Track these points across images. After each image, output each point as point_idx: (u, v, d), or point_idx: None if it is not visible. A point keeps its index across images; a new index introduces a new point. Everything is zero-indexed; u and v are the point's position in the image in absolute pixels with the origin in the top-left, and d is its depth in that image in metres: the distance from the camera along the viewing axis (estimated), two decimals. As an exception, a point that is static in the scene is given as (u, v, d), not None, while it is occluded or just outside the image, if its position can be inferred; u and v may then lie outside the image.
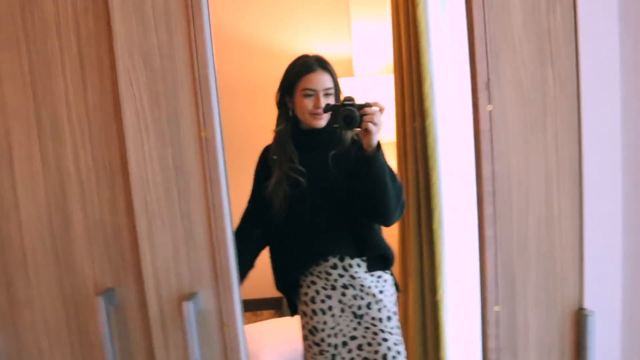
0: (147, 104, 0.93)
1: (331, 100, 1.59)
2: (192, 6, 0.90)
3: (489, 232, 0.89)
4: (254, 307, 3.22)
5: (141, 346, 1.02)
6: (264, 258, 1.85)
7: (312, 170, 1.62)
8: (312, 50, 1.72)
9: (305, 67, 1.62)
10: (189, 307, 0.92)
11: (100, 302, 0.98)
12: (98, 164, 0.99)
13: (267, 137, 1.77)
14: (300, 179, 1.60)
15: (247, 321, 3.02)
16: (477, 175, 0.88)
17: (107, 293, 1.00)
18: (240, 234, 1.70)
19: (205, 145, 0.92)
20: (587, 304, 0.92)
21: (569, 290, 0.92)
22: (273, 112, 1.81)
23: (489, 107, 0.86)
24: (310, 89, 1.59)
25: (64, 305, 1.04)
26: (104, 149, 0.98)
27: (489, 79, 0.86)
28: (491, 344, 0.93)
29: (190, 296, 0.95)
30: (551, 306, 0.93)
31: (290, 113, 1.66)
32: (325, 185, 1.62)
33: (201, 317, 0.97)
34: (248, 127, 2.60)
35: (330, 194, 1.63)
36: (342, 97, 1.60)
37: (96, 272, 1.02)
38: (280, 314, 3.21)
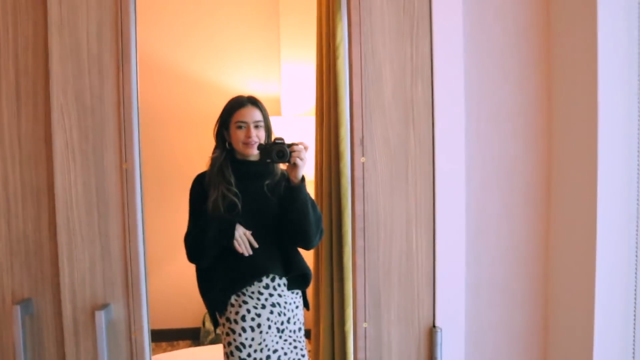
0: (76, 135, 1.05)
1: (261, 132, 1.79)
2: (122, 56, 1.04)
3: (359, 261, 1.07)
4: (171, 337, 3.23)
5: (53, 353, 1.11)
6: (182, 288, 1.96)
7: (247, 197, 1.79)
8: (243, 86, 1.92)
9: (237, 103, 1.83)
10: (100, 316, 1.03)
11: (17, 311, 1.06)
12: (26, 185, 1.08)
13: (194, 163, 1.92)
14: (237, 201, 1.76)
15: (163, 351, 3.03)
16: (352, 214, 1.06)
17: (25, 302, 1.08)
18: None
19: (125, 176, 1.05)
20: (438, 322, 1.11)
21: (424, 311, 1.11)
22: (204, 142, 1.97)
23: (363, 159, 1.05)
24: (242, 122, 1.79)
25: (-20, 315, 1.11)
26: (33, 171, 1.08)
27: (363, 135, 1.05)
28: (360, 355, 1.10)
29: (103, 306, 1.06)
30: (410, 323, 1.11)
31: (227, 145, 1.85)
32: (259, 211, 1.80)
33: (111, 326, 1.07)
34: (178, 154, 2.71)
35: (263, 219, 1.81)
36: (272, 133, 1.81)
37: (15, 283, 1.10)
38: (196, 344, 3.25)
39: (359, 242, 1.06)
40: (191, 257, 1.78)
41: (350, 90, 1.06)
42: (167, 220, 2.16)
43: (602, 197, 1.01)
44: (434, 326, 1.11)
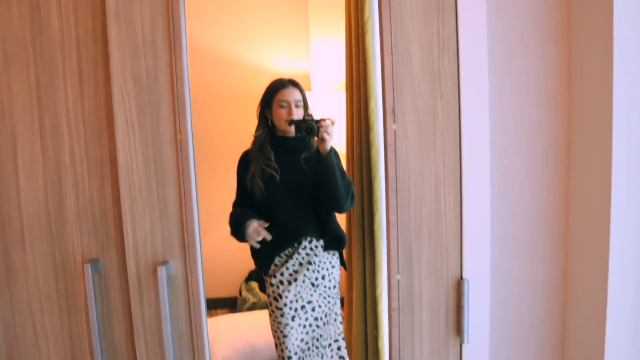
0: (134, 112, 1.17)
1: (301, 111, 1.94)
2: (174, 40, 1.15)
3: (392, 219, 1.17)
4: (210, 306, 3.41)
5: (119, 305, 1.25)
6: (219, 260, 2.13)
7: (285, 169, 1.97)
8: (273, 64, 2.06)
9: (280, 84, 2.01)
10: (162, 271, 1.16)
11: (88, 269, 1.20)
12: (90, 158, 1.21)
13: (233, 139, 2.07)
14: (275, 174, 1.92)
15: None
16: (385, 176, 1.16)
17: (93, 262, 1.22)
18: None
19: (180, 146, 1.16)
20: (465, 275, 1.21)
21: (452, 264, 1.21)
22: (238, 118, 2.11)
23: (394, 127, 1.14)
24: (285, 101, 1.97)
25: (55, 273, 1.25)
26: (96, 146, 1.20)
27: (394, 105, 1.14)
28: (394, 304, 1.21)
29: (163, 263, 1.19)
30: (439, 276, 1.21)
31: (270, 122, 2.00)
32: (296, 181, 1.98)
33: (170, 281, 1.21)
34: (217, 131, 2.83)
35: (300, 188, 1.98)
36: (309, 110, 1.96)
37: (84, 245, 1.23)
38: (234, 312, 3.41)
39: (392, 202, 1.16)
40: (233, 235, 1.97)
41: (382, 65, 1.15)
42: (212, 186, 2.31)
43: (617, 158, 1.08)
44: (461, 278, 1.21)
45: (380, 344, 2.54)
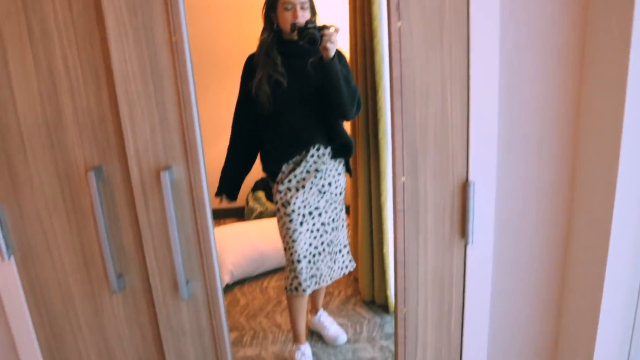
0: (125, 13, 1.11)
1: (307, 13, 1.86)
2: None
3: (397, 121, 1.14)
4: (218, 217, 3.50)
5: (125, 211, 1.26)
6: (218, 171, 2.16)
7: (292, 74, 1.93)
8: None
9: None
10: (165, 176, 1.16)
11: (92, 176, 1.20)
12: (84, 63, 1.17)
13: (234, 47, 2.02)
14: (282, 80, 1.89)
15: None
16: (390, 77, 1.12)
17: (96, 170, 1.22)
18: (233, 143, 2.07)
19: (175, 48, 1.12)
20: (471, 177, 1.20)
21: (458, 166, 1.20)
22: (239, 25, 2.03)
23: (399, 24, 1.08)
24: (289, 3, 1.87)
25: (59, 182, 1.25)
26: (89, 50, 1.16)
27: (399, 1, 1.08)
28: (399, 206, 1.22)
29: (166, 168, 1.19)
30: (444, 178, 1.20)
31: (275, 26, 1.94)
32: (303, 87, 1.94)
33: (174, 185, 1.21)
34: (217, 39, 2.75)
35: (307, 95, 1.95)
36: (316, 12, 1.90)
37: (85, 153, 1.23)
38: (242, 221, 3.49)
39: (397, 104, 1.13)
40: None
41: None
42: (217, 101, 2.28)
43: (636, 56, 1.02)
44: (467, 180, 1.20)
45: (385, 249, 2.61)
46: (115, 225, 1.27)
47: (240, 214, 3.55)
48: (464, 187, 1.20)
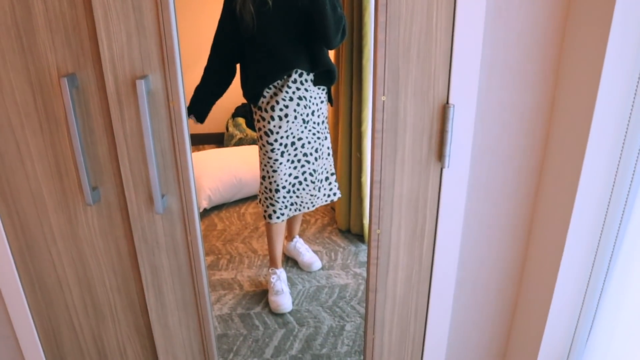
0: None
1: None
2: None
3: (380, 36, 1.12)
4: (197, 142, 3.47)
5: (100, 122, 1.23)
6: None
7: None
8: None
9: None
10: (141, 85, 1.12)
11: (65, 83, 1.16)
12: (56, -40, 1.11)
13: None
14: (267, 0, 1.83)
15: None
16: (375, -10, 1.09)
17: (70, 77, 1.17)
18: (211, 63, 2.00)
19: (153, -53, 1.06)
20: (452, 99, 1.19)
21: (439, 88, 1.18)
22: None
23: None
24: None
25: (31, 88, 1.21)
26: (62, -54, 1.10)
27: None
28: (378, 126, 1.21)
29: (142, 77, 1.15)
30: (425, 99, 1.19)
31: None
32: (289, 9, 1.88)
33: (151, 96, 1.18)
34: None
35: (292, 18, 1.89)
36: None
37: (58, 59, 1.18)
38: (221, 147, 3.47)
39: (381, 18, 1.10)
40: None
41: None
42: (196, 22, 2.20)
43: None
44: (447, 102, 1.19)
45: (363, 178, 2.63)
46: (89, 136, 1.25)
47: (219, 140, 3.53)
48: (444, 110, 1.20)
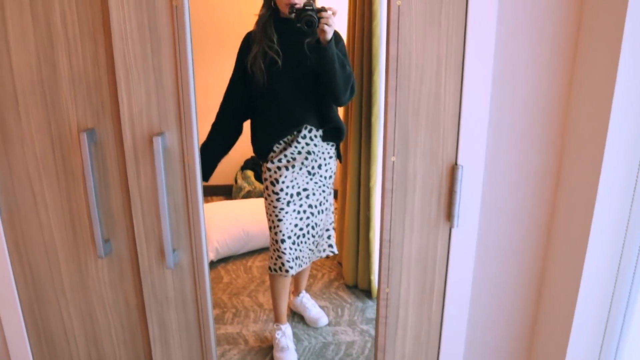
0: (127, -27, 1.11)
1: None
2: None
3: (391, 99, 1.16)
4: (206, 193, 3.51)
5: (116, 176, 1.26)
6: None
7: (287, 54, 1.92)
8: None
9: None
10: (158, 141, 1.16)
11: (84, 138, 1.20)
12: (82, 22, 1.16)
13: (232, 24, 2.01)
14: (277, 58, 1.89)
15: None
16: (386, 55, 1.13)
17: (89, 132, 1.22)
18: (221, 119, 2.06)
19: (175, 12, 1.12)
20: (460, 160, 1.21)
21: (447, 149, 1.21)
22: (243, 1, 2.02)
23: (398, 2, 1.09)
24: None
25: (51, 142, 1.25)
26: (88, 9, 1.15)
27: (399, -21, 1.09)
28: (388, 185, 1.23)
29: (159, 134, 1.19)
30: (434, 160, 1.22)
31: (273, 3, 1.94)
32: (298, 67, 1.94)
33: (166, 152, 1.21)
34: (215, 8, 2.74)
35: (301, 75, 1.95)
36: None
37: (79, 114, 1.23)
38: (229, 199, 3.49)
39: (392, 82, 1.14)
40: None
41: None
42: (214, 75, 2.27)
43: (627, 46, 1.04)
44: (456, 163, 1.22)
45: (371, 234, 2.63)
46: (105, 189, 1.27)
47: (228, 192, 3.56)
48: (453, 170, 1.22)
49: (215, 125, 2.10)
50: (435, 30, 1.12)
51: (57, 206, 1.30)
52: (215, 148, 2.08)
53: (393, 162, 1.20)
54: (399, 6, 1.10)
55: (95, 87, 1.21)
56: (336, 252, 2.36)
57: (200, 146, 2.12)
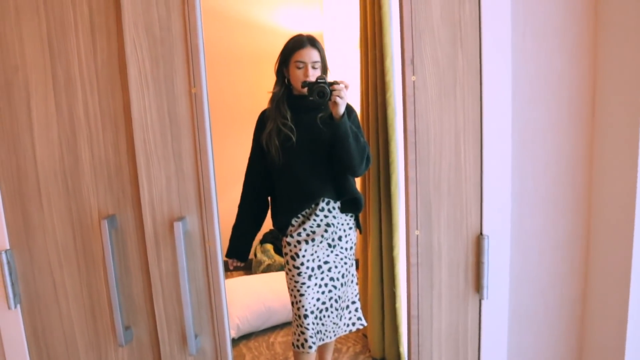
0: (148, 64, 1.14)
1: (318, 72, 1.90)
2: (186, -10, 1.11)
3: (411, 174, 1.15)
4: (225, 269, 3.47)
5: (136, 261, 1.25)
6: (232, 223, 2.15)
7: (301, 129, 1.95)
8: (286, 24, 2.00)
9: (297, 43, 1.95)
10: (178, 227, 1.15)
11: (105, 225, 1.20)
12: (104, 112, 1.19)
13: (247, 100, 2.06)
14: (291, 134, 1.92)
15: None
16: (404, 130, 1.13)
17: (110, 218, 1.22)
18: (245, 199, 2.10)
19: (194, 99, 1.14)
20: (485, 230, 1.19)
21: (471, 219, 1.19)
22: (252, 78, 2.07)
23: (413, 78, 1.11)
24: (301, 62, 1.92)
25: (72, 229, 1.26)
26: (110, 99, 1.19)
27: (413, 55, 1.10)
28: (413, 260, 1.20)
29: (179, 219, 1.18)
30: (458, 231, 1.19)
31: (287, 81, 1.98)
32: (313, 142, 1.96)
33: (187, 237, 1.20)
34: (231, 91, 2.81)
35: (316, 149, 1.97)
36: (328, 70, 1.92)
37: (100, 201, 1.23)
38: (249, 274, 3.45)
39: (411, 156, 1.14)
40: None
41: (400, 13, 1.10)
42: (230, 153, 2.30)
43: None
44: (481, 234, 1.19)
45: (397, 304, 2.55)
46: (125, 275, 1.26)
47: (247, 267, 3.51)
48: (478, 241, 1.19)
49: (241, 206, 2.10)
50: (452, 102, 1.13)
51: (77, 294, 1.29)
52: (246, 228, 2.09)
53: (417, 235, 1.18)
54: (414, 81, 1.11)
55: (116, 173, 1.22)
56: (365, 324, 2.29)
57: (232, 228, 2.13)
